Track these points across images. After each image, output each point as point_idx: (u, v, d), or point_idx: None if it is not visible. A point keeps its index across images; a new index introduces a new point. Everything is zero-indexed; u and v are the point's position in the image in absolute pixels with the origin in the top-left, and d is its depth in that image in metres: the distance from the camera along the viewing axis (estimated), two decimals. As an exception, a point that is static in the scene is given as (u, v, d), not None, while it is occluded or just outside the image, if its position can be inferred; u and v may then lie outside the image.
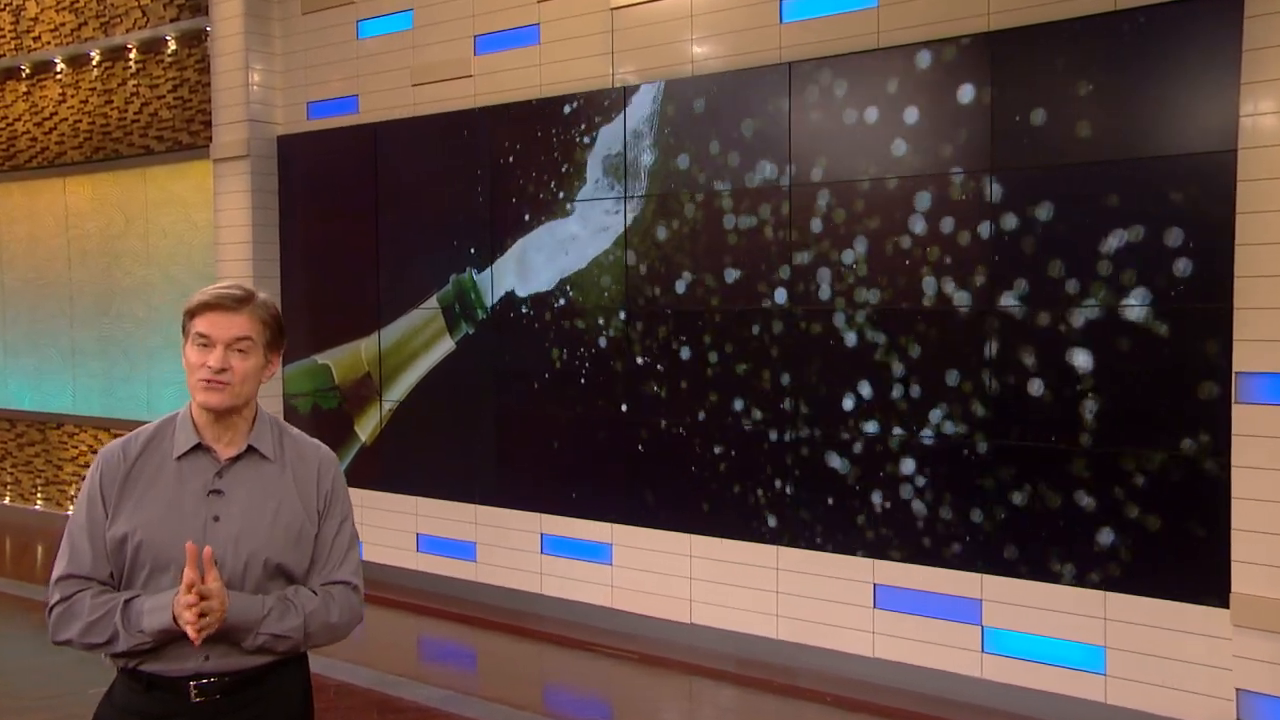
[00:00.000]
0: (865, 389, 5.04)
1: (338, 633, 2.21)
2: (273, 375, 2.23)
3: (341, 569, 2.23)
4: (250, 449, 2.19)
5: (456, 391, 6.50)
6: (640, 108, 5.67)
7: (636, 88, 5.69)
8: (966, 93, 4.73)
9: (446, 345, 6.52)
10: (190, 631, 1.97)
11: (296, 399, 7.23)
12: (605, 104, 5.81)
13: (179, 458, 2.15)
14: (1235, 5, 4.11)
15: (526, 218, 6.14)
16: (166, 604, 2.02)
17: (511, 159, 6.20)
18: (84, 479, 7.63)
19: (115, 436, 8.19)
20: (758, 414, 5.36)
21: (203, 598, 1.97)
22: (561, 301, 6.01)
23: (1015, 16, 4.63)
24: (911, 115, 4.87)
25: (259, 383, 2.18)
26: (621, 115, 5.74)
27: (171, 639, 2.05)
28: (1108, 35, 4.40)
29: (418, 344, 6.65)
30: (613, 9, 5.82)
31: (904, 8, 4.94)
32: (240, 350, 2.12)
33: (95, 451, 8.54)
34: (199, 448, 2.16)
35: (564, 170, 5.98)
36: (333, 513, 2.25)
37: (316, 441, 2.32)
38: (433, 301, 6.57)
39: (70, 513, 8.60)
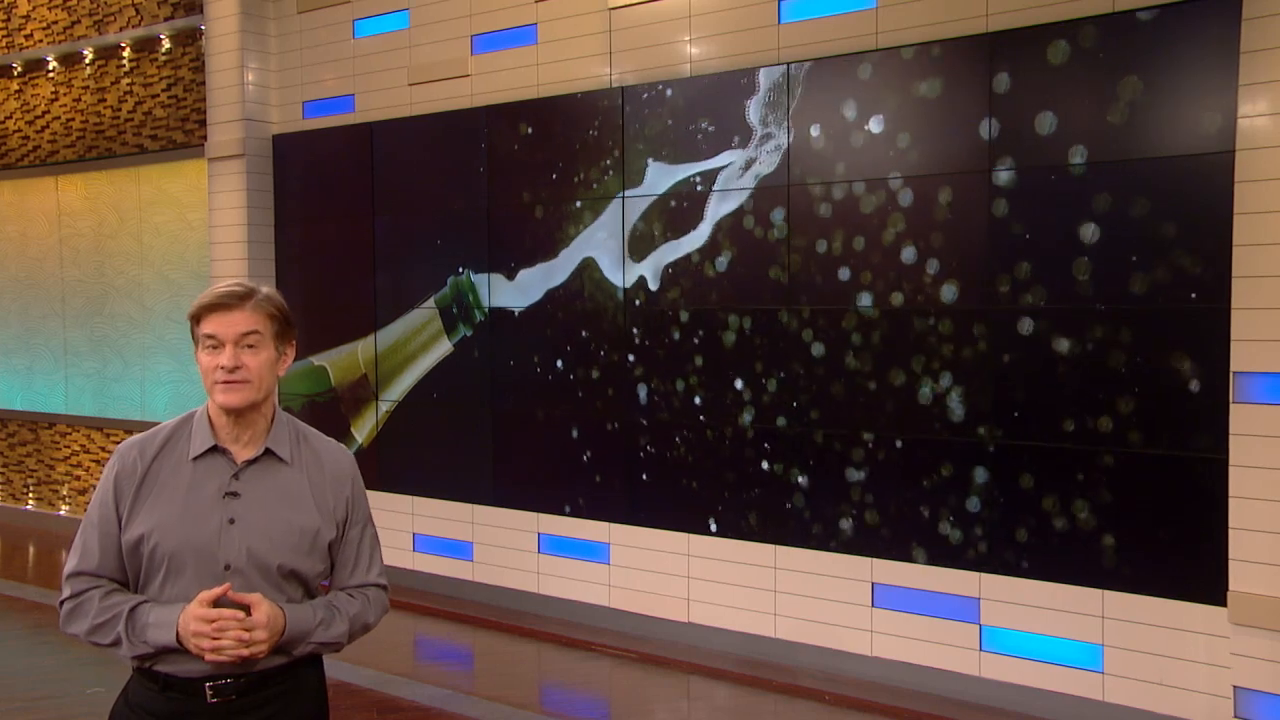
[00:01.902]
0: (863, 388, 5.05)
1: (369, 630, 2.30)
2: (288, 367, 2.23)
3: (371, 571, 2.29)
4: (267, 451, 2.18)
5: (454, 393, 6.50)
6: (632, 105, 5.69)
7: (643, 85, 5.70)
8: (964, 94, 4.75)
9: (444, 347, 6.51)
10: (216, 658, 2.03)
11: (293, 400, 7.21)
12: (604, 102, 5.82)
13: (195, 459, 2.15)
14: (1233, 7, 4.14)
15: (527, 221, 6.14)
16: (171, 621, 2.04)
17: (511, 160, 6.20)
18: (80, 479, 7.47)
19: (108, 436, 8.09)
20: (756, 414, 5.37)
21: (248, 629, 2.03)
22: (561, 303, 6.02)
23: (1014, 18, 4.66)
24: (907, 116, 4.89)
25: (276, 377, 2.18)
26: (620, 114, 5.75)
27: (176, 650, 2.06)
28: (1106, 36, 4.42)
29: (415, 346, 6.64)
30: (610, 9, 5.83)
31: (903, 9, 4.95)
32: (250, 345, 2.12)
33: (87, 451, 8.51)
34: (215, 449, 2.16)
35: (565, 172, 5.98)
36: (356, 518, 2.28)
37: (335, 443, 2.32)
38: (430, 303, 6.56)
39: (64, 513, 8.58)
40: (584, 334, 5.93)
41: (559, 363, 6.03)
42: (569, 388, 6.01)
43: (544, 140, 6.05)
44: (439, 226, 6.52)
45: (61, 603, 2.14)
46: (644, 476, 5.77)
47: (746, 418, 5.40)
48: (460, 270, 6.40)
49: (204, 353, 2.12)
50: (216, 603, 2.03)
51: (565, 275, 5.99)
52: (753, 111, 5.32)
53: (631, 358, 5.77)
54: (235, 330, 2.10)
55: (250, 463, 2.17)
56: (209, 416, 2.18)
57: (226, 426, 2.17)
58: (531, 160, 6.10)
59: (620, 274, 5.78)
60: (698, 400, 5.55)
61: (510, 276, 6.21)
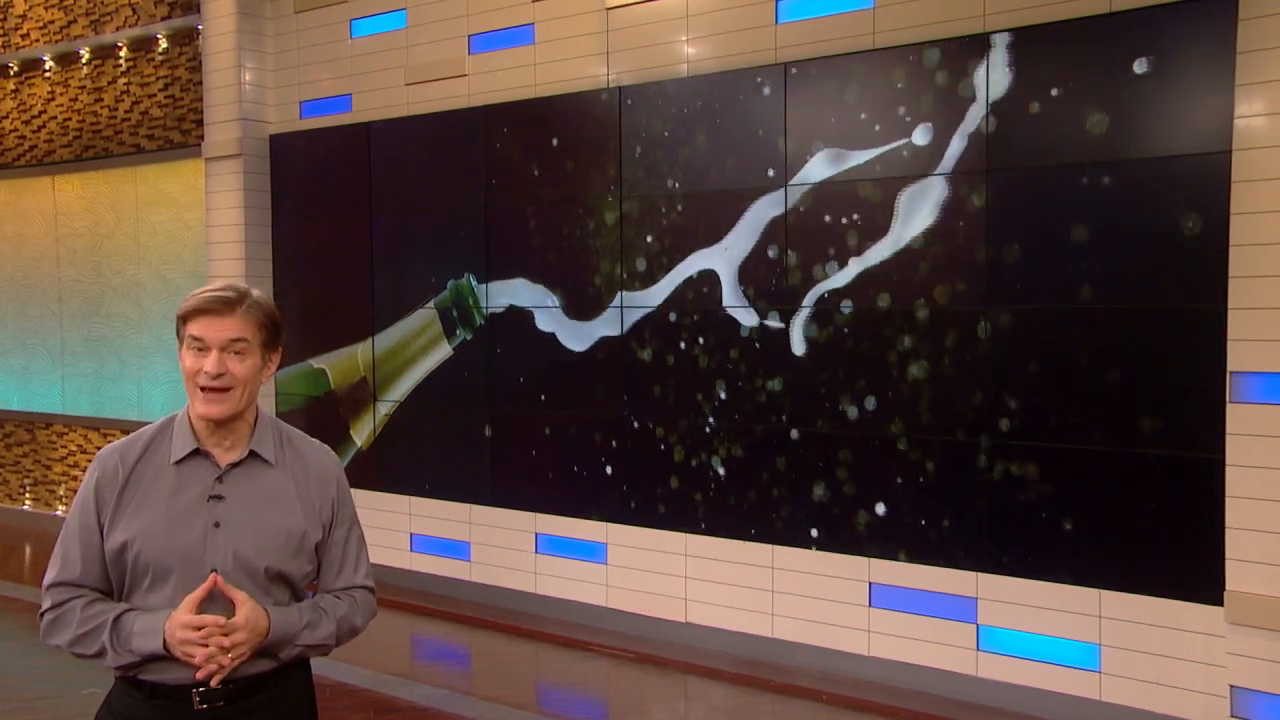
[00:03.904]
0: (861, 388, 5.05)
1: (357, 633, 2.27)
2: (271, 375, 2.20)
3: (358, 573, 2.27)
4: (252, 454, 2.16)
5: (453, 395, 6.49)
6: (635, 107, 5.68)
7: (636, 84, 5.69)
8: (962, 94, 4.74)
9: (444, 351, 6.50)
10: (209, 666, 2.01)
11: (292, 402, 7.20)
12: (599, 104, 5.81)
13: (177, 463, 2.12)
14: (1230, 8, 4.13)
15: (525, 222, 6.14)
16: (158, 629, 2.01)
17: (510, 160, 6.19)
18: (76, 479, 7.45)
19: (105, 436, 8.06)
20: (752, 413, 5.37)
21: (227, 633, 2.01)
22: (560, 304, 6.01)
23: (1011, 18, 4.65)
24: (906, 115, 4.88)
25: (259, 385, 2.16)
26: (617, 115, 5.74)
27: (163, 658, 2.04)
28: (1104, 37, 4.42)
29: (414, 349, 6.63)
30: (608, 9, 5.82)
31: (900, 9, 4.95)
32: (237, 352, 2.08)
33: (84, 451, 8.50)
34: (197, 453, 2.13)
35: (564, 172, 5.98)
36: (342, 518, 2.26)
37: (319, 444, 2.30)
38: (430, 306, 6.55)
39: (60, 513, 8.57)
40: (581, 336, 5.93)
41: (558, 364, 6.03)
42: (568, 389, 6.00)
43: (545, 140, 6.04)
44: (439, 228, 6.51)
45: (42, 614, 2.10)
46: (641, 477, 5.76)
47: (744, 418, 5.39)
48: (466, 258, 6.38)
49: (188, 354, 2.08)
50: (201, 603, 2.01)
51: (571, 270, 5.98)
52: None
53: (631, 358, 5.76)
54: (223, 336, 2.06)
55: (234, 466, 2.14)
56: (190, 420, 2.15)
57: (208, 431, 2.14)
58: (532, 160, 6.09)
59: (618, 271, 5.77)
60: (696, 401, 5.55)
61: (515, 275, 6.20)
